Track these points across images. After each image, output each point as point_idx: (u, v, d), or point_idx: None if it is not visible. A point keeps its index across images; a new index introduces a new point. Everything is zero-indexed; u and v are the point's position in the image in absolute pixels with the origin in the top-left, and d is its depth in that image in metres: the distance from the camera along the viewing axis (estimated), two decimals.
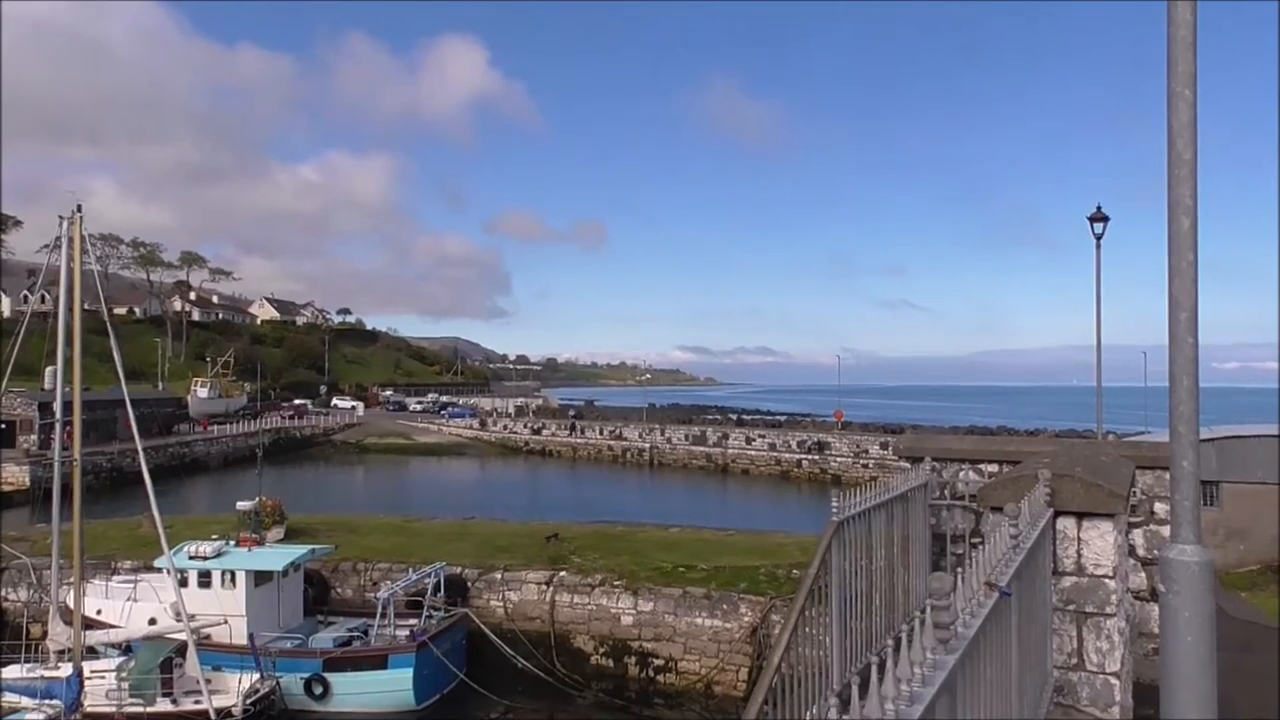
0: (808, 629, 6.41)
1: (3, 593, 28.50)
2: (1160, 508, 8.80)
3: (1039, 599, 5.65)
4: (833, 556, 6.94)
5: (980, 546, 9.26)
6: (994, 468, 9.81)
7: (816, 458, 75.56)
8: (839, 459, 74.32)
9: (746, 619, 23.75)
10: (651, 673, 24.52)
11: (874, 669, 2.62)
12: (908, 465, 10.33)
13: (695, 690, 23.76)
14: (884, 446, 72.12)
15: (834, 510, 7.21)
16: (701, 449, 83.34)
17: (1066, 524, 6.38)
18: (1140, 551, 8.96)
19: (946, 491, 9.94)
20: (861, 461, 72.47)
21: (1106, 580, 6.25)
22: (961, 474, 10.00)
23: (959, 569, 4.03)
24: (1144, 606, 8.74)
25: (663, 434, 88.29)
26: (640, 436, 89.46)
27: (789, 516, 51.67)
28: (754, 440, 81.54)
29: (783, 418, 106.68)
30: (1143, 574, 8.92)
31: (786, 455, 77.50)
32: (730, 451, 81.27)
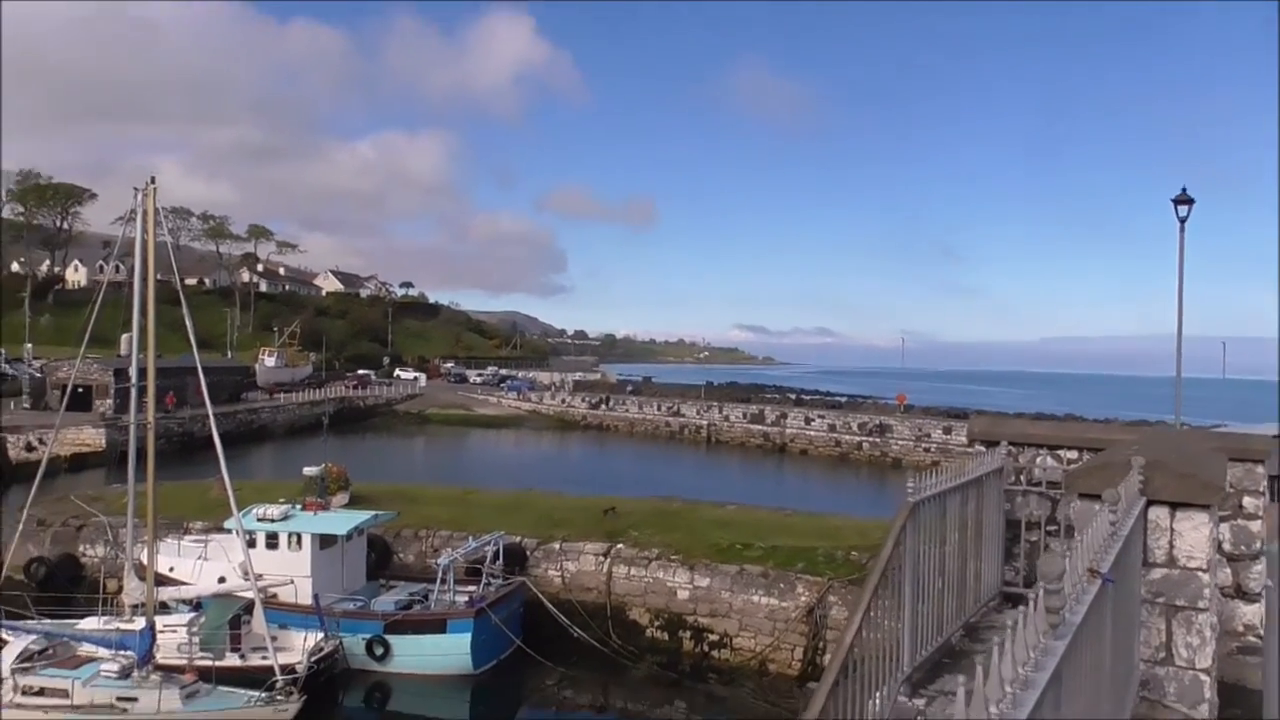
0: (873, 613, 6.28)
1: (82, 549, 29.49)
2: (1250, 502, 8.47)
3: (1130, 590, 5.46)
4: (907, 538, 6.81)
5: (1057, 535, 9.01)
6: (1073, 454, 9.52)
7: (877, 440, 74.76)
8: (900, 442, 73.45)
9: (803, 599, 23.63)
10: (706, 648, 24.55)
11: (986, 658, 2.50)
12: (973, 451, 10.10)
13: (749, 667, 23.74)
14: (947, 431, 71.12)
15: (910, 491, 7.07)
16: (759, 428, 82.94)
17: (1159, 514, 6.15)
18: (1226, 547, 8.64)
19: (1023, 477, 9.69)
20: (924, 445, 71.56)
21: (1200, 574, 6.02)
22: (1039, 460, 9.74)
23: (1041, 556, 3.88)
24: (1228, 603, 8.43)
25: (720, 412, 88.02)
26: (698, 414, 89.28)
27: (847, 499, 51.24)
28: (813, 420, 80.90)
29: (843, 399, 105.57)
30: (1228, 569, 8.60)
31: (847, 437, 76.79)
32: (789, 431, 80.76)
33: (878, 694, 6.21)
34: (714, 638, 24.51)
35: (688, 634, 24.79)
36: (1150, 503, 6.14)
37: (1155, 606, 6.14)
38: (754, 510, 32.27)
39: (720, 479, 63.53)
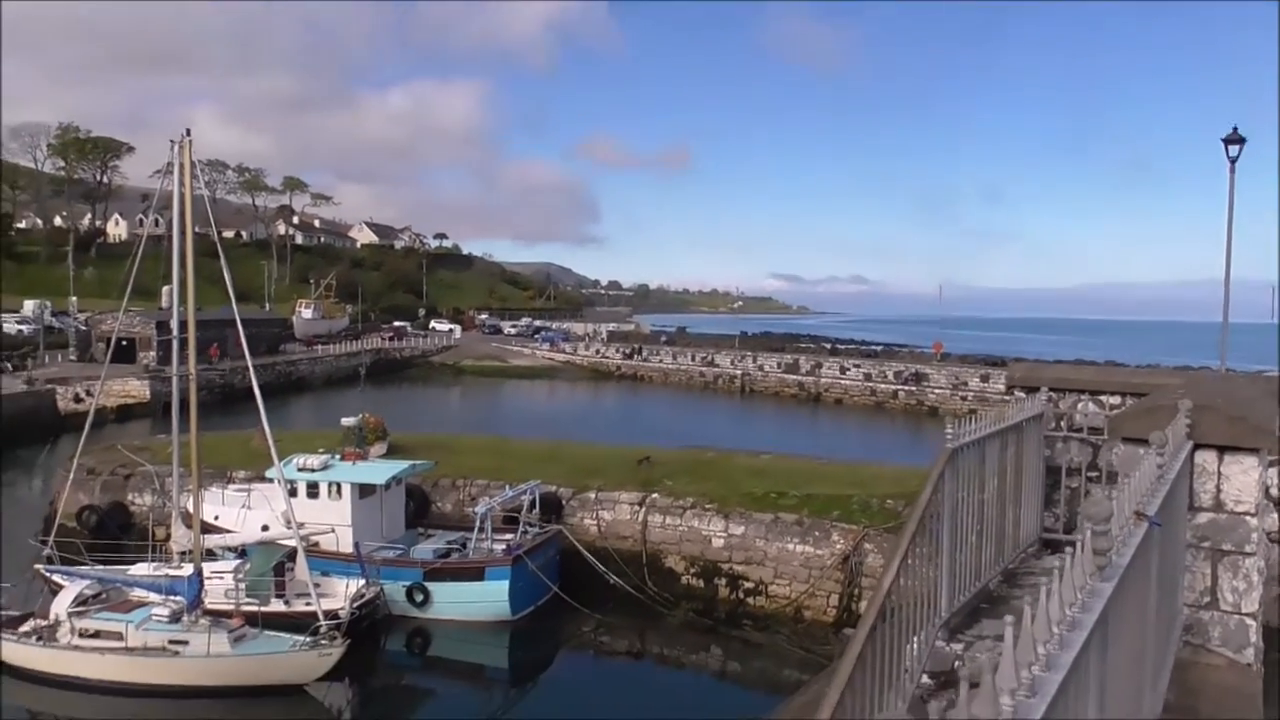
0: (911, 559, 6.25)
1: (130, 497, 30.17)
2: None
3: (1175, 534, 5.38)
4: (945, 484, 6.76)
5: (1098, 481, 8.90)
6: (1116, 399, 9.38)
7: (913, 389, 74.28)
8: (937, 390, 72.94)
9: (839, 546, 23.68)
10: (741, 595, 24.73)
11: (1031, 599, 2.45)
12: (1011, 398, 9.97)
13: (784, 614, 23.90)
14: (984, 379, 70.48)
15: (949, 437, 7.00)
16: (794, 377, 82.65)
17: (1206, 458, 6.04)
18: (1274, 491, 8.50)
19: (1063, 423, 9.57)
20: (960, 393, 70.99)
21: (1247, 518, 5.92)
22: (1080, 405, 9.61)
23: (1086, 499, 3.81)
24: (1275, 548, 8.31)
25: (755, 361, 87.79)
26: (732, 364, 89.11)
27: (882, 447, 51.06)
28: (848, 370, 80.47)
29: (878, 347, 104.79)
30: (1275, 514, 8.47)
31: (882, 386, 76.36)
32: (823, 380, 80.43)
33: (915, 639, 6.20)
34: (749, 585, 24.67)
35: (723, 581, 24.97)
36: (1197, 446, 6.03)
37: (1200, 551, 6.05)
38: (788, 459, 32.25)
39: (754, 428, 63.57)
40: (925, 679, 6.53)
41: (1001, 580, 8.34)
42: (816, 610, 23.61)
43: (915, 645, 6.26)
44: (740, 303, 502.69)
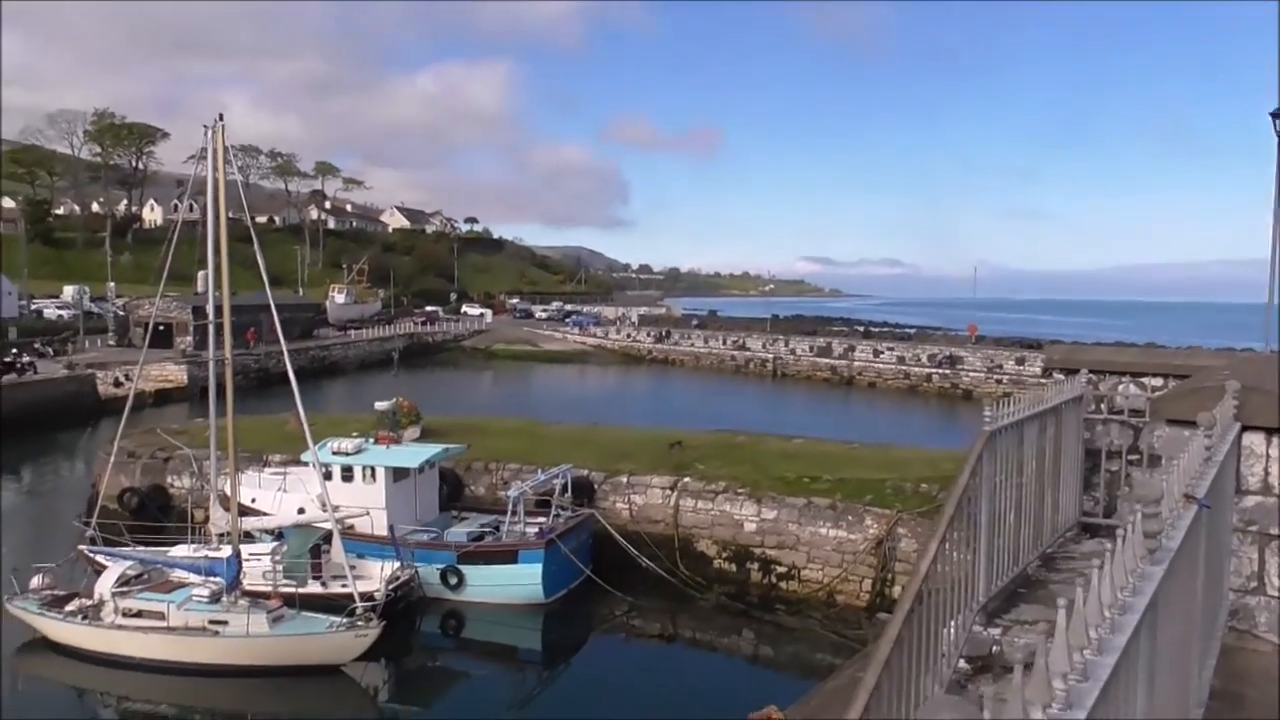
0: (948, 542, 6.18)
1: (169, 480, 30.63)
2: None
3: (1223, 518, 5.28)
4: (983, 466, 6.68)
5: (1139, 464, 8.77)
6: (1157, 381, 9.23)
7: (948, 372, 73.67)
8: (971, 374, 72.29)
9: (872, 531, 23.57)
10: (774, 579, 24.71)
11: (1073, 583, 2.40)
12: (1049, 381, 9.83)
13: (817, 599, 23.85)
14: (1020, 362, 69.78)
15: (987, 419, 6.92)
16: (826, 361, 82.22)
17: (1254, 440, 5.92)
18: None
19: (1103, 405, 9.43)
20: (995, 376, 70.30)
21: None
22: (1121, 387, 9.46)
23: (1136, 480, 3.73)
24: None
25: (786, 345, 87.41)
26: (764, 347, 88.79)
27: (916, 431, 50.70)
28: (882, 353, 79.93)
29: (912, 330, 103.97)
30: None
31: (916, 369, 75.79)
32: (856, 364, 79.96)
33: (952, 623, 6.16)
34: (781, 569, 24.64)
35: (755, 565, 24.95)
36: (1245, 428, 5.91)
37: (1247, 535, 5.94)
38: (821, 443, 32.12)
39: (786, 412, 63.35)
40: (962, 663, 6.48)
41: (1039, 564, 8.25)
42: (849, 595, 23.54)
43: (952, 629, 6.22)
44: (772, 286, 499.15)
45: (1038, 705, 1.92)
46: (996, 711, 1.89)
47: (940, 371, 74.20)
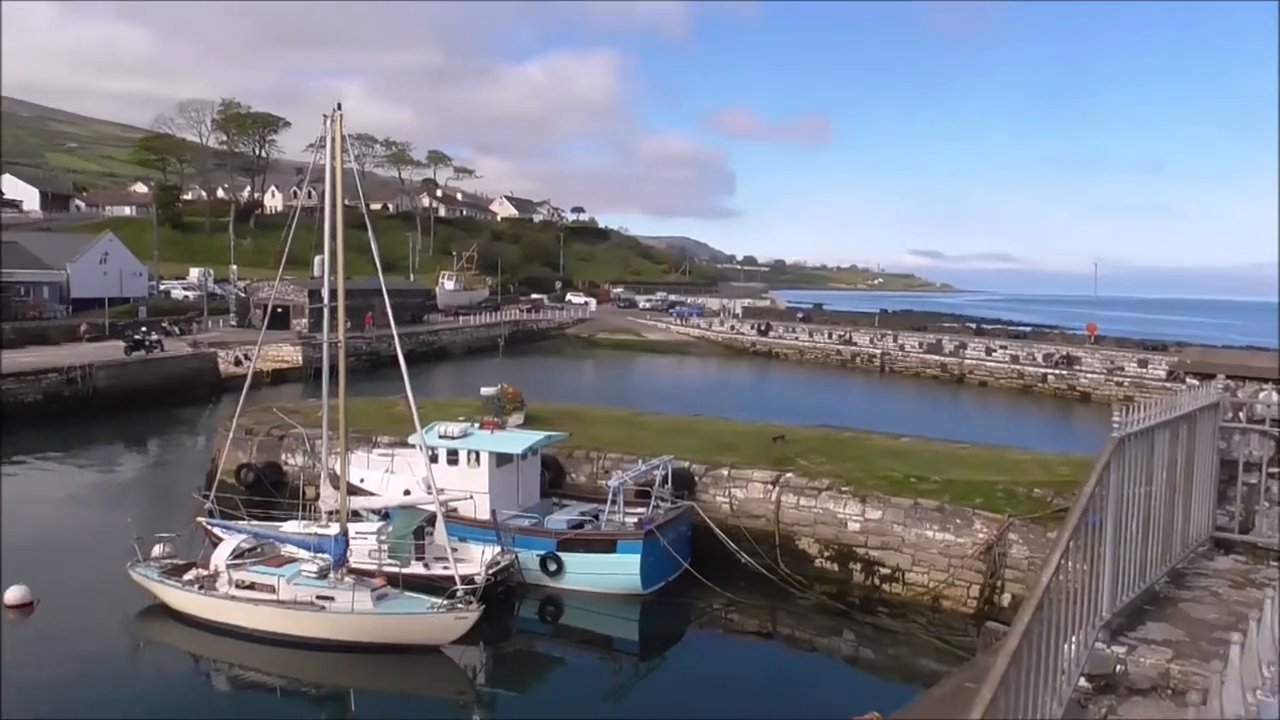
0: (1071, 553, 5.81)
1: (284, 457, 31.69)
2: None
3: None
4: (1110, 475, 6.30)
5: (1278, 477, 8.12)
6: None
7: (1064, 372, 70.94)
8: (1089, 375, 69.45)
9: (981, 535, 22.77)
10: (876, 580, 24.12)
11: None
12: (1180, 386, 9.25)
13: (921, 602, 23.20)
14: (1142, 364, 66.79)
15: (1115, 425, 6.53)
16: (936, 357, 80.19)
17: None
18: None
19: (1241, 414, 8.84)
20: (1115, 379, 67.42)
21: None
22: (1262, 395, 8.84)
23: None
24: None
25: (895, 340, 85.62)
26: (871, 342, 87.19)
27: (1029, 433, 48.97)
28: (994, 351, 77.53)
29: (1026, 328, 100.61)
30: None
31: (1030, 369, 73.21)
32: (968, 362, 77.75)
33: (1073, 638, 5.82)
34: (885, 571, 24.03)
35: (857, 566, 24.40)
36: None
37: None
38: (929, 442, 31.23)
39: (893, 409, 62.05)
40: (1083, 681, 6.11)
41: (1168, 580, 7.77)
42: (955, 600, 22.82)
43: (1073, 645, 5.86)
44: (880, 279, 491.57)
45: None
46: None
47: (1056, 372, 71.51)
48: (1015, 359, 75.20)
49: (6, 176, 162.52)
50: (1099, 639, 6.35)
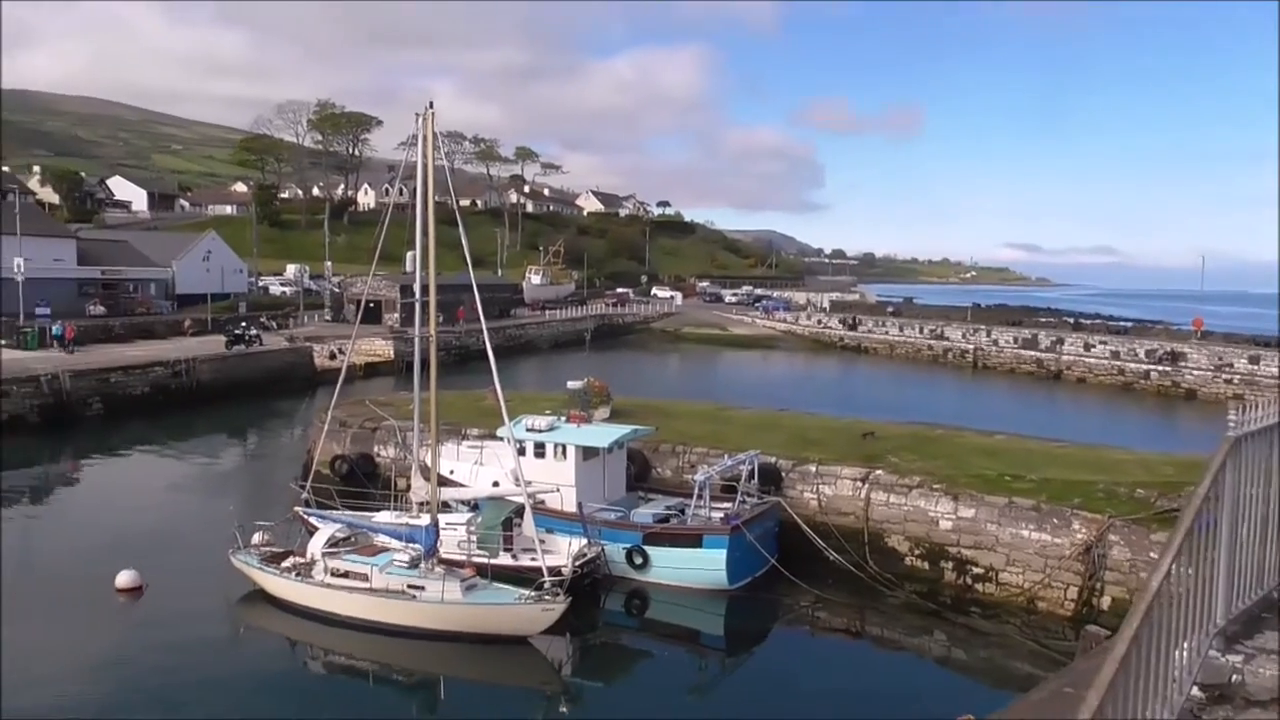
0: (1183, 557, 5.53)
1: (376, 449, 32.42)
2: None
3: None
4: (1226, 476, 5.99)
5: None
6: None
7: (1168, 369, 68.19)
8: (1195, 372, 66.57)
9: (1079, 536, 22.03)
10: (969, 580, 23.56)
11: None
12: None
13: (1016, 604, 22.58)
14: (1253, 360, 63.84)
15: (1231, 424, 6.20)
16: (1031, 353, 77.95)
17: None
18: None
19: None
20: (1224, 376, 64.54)
21: None
22: None
23: None
24: None
25: (988, 335, 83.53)
26: (963, 337, 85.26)
27: (1129, 431, 47.28)
28: (1093, 346, 74.97)
29: (1127, 324, 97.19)
30: None
31: (1132, 365, 70.55)
32: (1065, 358, 75.39)
33: (1185, 645, 5.56)
34: (978, 570, 23.44)
35: (949, 565, 23.85)
36: None
37: None
38: (1024, 440, 30.37)
39: (986, 406, 60.57)
40: (1195, 691, 5.84)
41: None
42: (1052, 602, 22.13)
43: (1185, 653, 5.59)
44: (973, 273, 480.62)
45: None
46: None
47: (1159, 368, 68.80)
48: (1115, 355, 72.61)
49: (117, 178, 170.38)
50: (1213, 647, 6.05)
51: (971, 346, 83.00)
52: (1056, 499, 23.01)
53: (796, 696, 19.17)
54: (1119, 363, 71.57)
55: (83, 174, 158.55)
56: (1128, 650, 4.56)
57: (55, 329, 55.00)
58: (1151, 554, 20.51)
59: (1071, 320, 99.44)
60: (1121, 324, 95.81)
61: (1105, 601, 21.32)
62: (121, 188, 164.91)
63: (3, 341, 54.51)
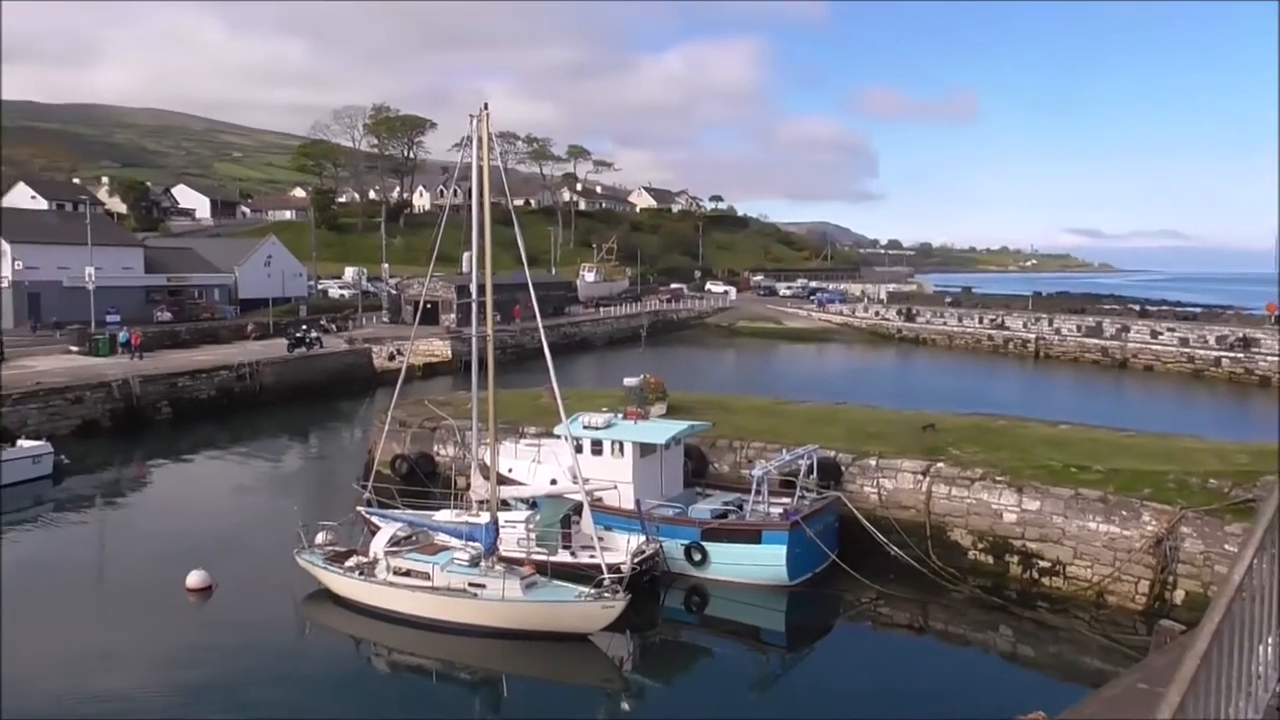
0: (1267, 549, 5.31)
1: (436, 448, 32.75)
2: None
3: None
4: None
5: None
6: None
7: (1240, 356, 66.18)
8: (1270, 358, 64.48)
9: (1150, 528, 21.45)
10: (1035, 574, 23.09)
11: None
12: None
13: (1084, 598, 22.08)
14: None
15: None
16: (1095, 341, 76.20)
17: None
18: None
19: None
20: None
21: None
22: None
23: None
24: None
25: (1050, 324, 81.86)
26: (1024, 326, 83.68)
27: (1200, 420, 46.00)
28: (1160, 334, 73.07)
29: (1197, 310, 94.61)
30: None
31: (1202, 352, 68.60)
32: (1131, 345, 73.58)
33: (1270, 640, 5.37)
34: (1044, 564, 22.95)
35: (1014, 559, 23.39)
36: None
37: None
38: (1090, 430, 29.68)
39: (1049, 396, 59.41)
40: None
41: None
42: (1122, 596, 21.59)
43: (1269, 648, 5.41)
44: (1033, 260, 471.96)
45: None
46: None
47: (1231, 355, 66.79)
48: (1184, 342, 70.70)
49: (181, 186, 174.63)
50: None
51: (1033, 336, 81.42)
52: (1125, 490, 22.44)
53: (860, 693, 18.95)
54: (1188, 350, 69.64)
55: (149, 184, 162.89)
56: (1209, 646, 4.38)
57: (122, 336, 56.47)
58: (1226, 546, 19.90)
59: (1137, 307, 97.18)
60: (1191, 310, 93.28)
61: (1179, 596, 20.74)
62: (186, 196, 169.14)
63: (75, 349, 56.25)
